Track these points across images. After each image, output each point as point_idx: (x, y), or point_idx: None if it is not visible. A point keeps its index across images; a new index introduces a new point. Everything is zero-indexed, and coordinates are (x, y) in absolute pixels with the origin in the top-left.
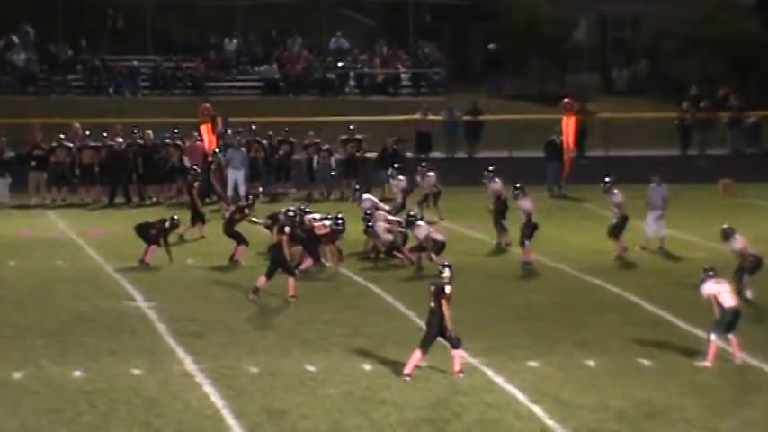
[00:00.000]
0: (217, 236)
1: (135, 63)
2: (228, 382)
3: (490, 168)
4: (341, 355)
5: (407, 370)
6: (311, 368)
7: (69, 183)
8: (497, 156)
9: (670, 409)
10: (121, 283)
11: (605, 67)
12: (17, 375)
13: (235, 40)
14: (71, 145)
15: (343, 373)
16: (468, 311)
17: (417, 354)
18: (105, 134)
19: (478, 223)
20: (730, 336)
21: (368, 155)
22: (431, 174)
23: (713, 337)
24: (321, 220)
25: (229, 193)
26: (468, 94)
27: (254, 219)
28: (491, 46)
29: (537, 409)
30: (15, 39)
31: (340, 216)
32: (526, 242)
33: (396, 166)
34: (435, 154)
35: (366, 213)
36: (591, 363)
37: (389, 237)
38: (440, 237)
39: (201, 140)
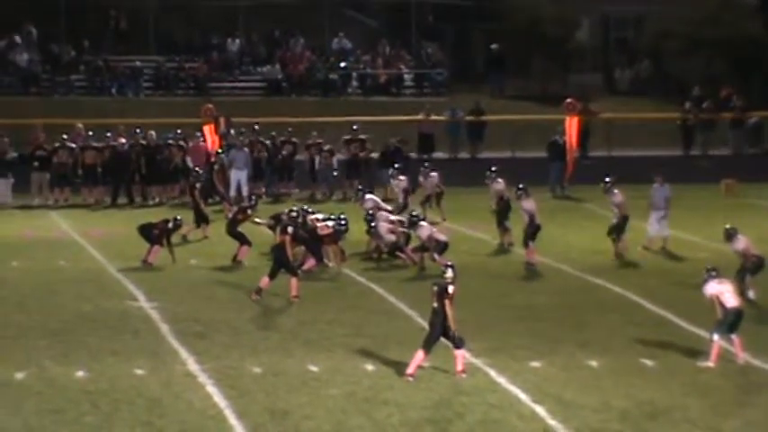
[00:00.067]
0: (220, 236)
1: (138, 63)
2: (231, 382)
3: (493, 169)
4: (344, 355)
5: (410, 370)
6: (314, 368)
7: (72, 183)
8: (500, 156)
9: (673, 409)
10: (124, 284)
11: (608, 68)
12: (20, 376)
13: (237, 41)
14: (74, 145)
15: (345, 374)
16: (471, 312)
17: (420, 354)
18: (109, 134)
19: (481, 223)
20: (733, 336)
21: (373, 155)
22: (433, 174)
23: (716, 337)
24: (324, 220)
25: (232, 193)
26: (470, 95)
27: (256, 219)
28: (494, 46)
29: (539, 410)
30: (18, 39)
31: (343, 216)
32: (530, 243)
33: (396, 166)
34: (438, 154)
35: (368, 214)
36: (593, 363)
37: (392, 237)
38: (442, 237)
39: (204, 141)
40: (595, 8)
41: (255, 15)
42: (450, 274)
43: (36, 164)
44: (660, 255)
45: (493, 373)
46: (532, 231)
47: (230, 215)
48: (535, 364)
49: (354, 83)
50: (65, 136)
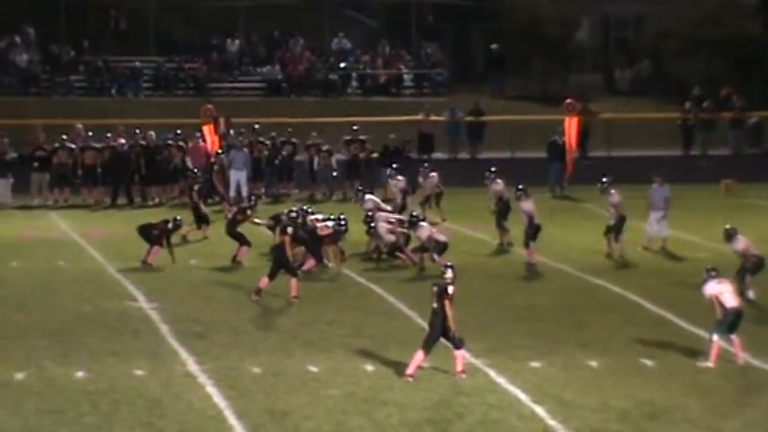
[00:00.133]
0: (219, 237)
1: (137, 64)
2: (231, 382)
3: (492, 169)
4: (343, 355)
5: (410, 371)
6: (314, 369)
7: (72, 183)
8: (500, 156)
9: (672, 409)
10: (124, 284)
11: (608, 68)
12: (19, 376)
13: (237, 41)
14: (73, 146)
15: (345, 374)
16: (471, 312)
17: (420, 354)
18: (108, 135)
19: (481, 224)
20: (733, 336)
21: (374, 155)
22: (433, 174)
23: (715, 337)
24: (324, 220)
25: (232, 193)
26: (470, 95)
27: (256, 220)
28: (493, 46)
29: (539, 410)
30: (18, 39)
31: (342, 217)
32: (531, 243)
33: (394, 166)
34: (438, 154)
35: (367, 215)
36: (593, 363)
37: (392, 237)
38: (442, 237)
39: (204, 141)
40: (595, 8)
41: (255, 16)
42: (449, 274)
43: (36, 164)
44: (660, 255)
45: (493, 374)
46: (533, 232)
47: (230, 216)
48: (535, 364)
49: (354, 83)
50: (64, 136)
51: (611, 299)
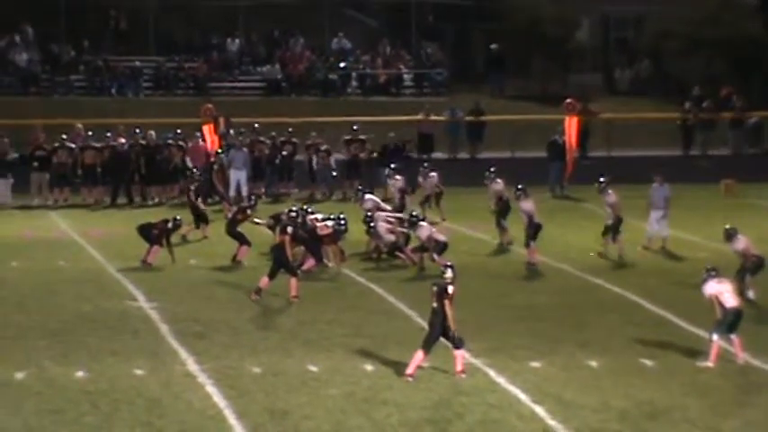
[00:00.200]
0: (219, 236)
1: (137, 63)
2: (231, 382)
3: (491, 169)
4: (343, 355)
5: (410, 370)
6: (313, 368)
7: (71, 183)
8: (500, 156)
9: (672, 409)
10: (123, 284)
11: (608, 68)
12: (19, 376)
13: (237, 41)
14: (73, 145)
15: (345, 374)
16: (470, 312)
17: (419, 354)
18: (108, 134)
19: (480, 223)
20: (733, 336)
21: (374, 155)
22: (433, 174)
23: (715, 337)
24: (323, 220)
25: (232, 193)
26: (470, 95)
27: (256, 219)
28: (493, 46)
29: (539, 410)
30: (17, 39)
31: (342, 216)
32: (531, 243)
33: (392, 166)
34: (437, 154)
35: (367, 214)
36: (593, 363)
37: (391, 237)
38: (442, 237)
39: (204, 141)
40: (595, 8)
41: (255, 15)
42: (449, 274)
43: (35, 164)
44: (660, 254)
45: (492, 374)
46: (534, 231)
47: (230, 215)
48: (535, 364)
49: (354, 83)
50: (64, 136)
51: (611, 299)
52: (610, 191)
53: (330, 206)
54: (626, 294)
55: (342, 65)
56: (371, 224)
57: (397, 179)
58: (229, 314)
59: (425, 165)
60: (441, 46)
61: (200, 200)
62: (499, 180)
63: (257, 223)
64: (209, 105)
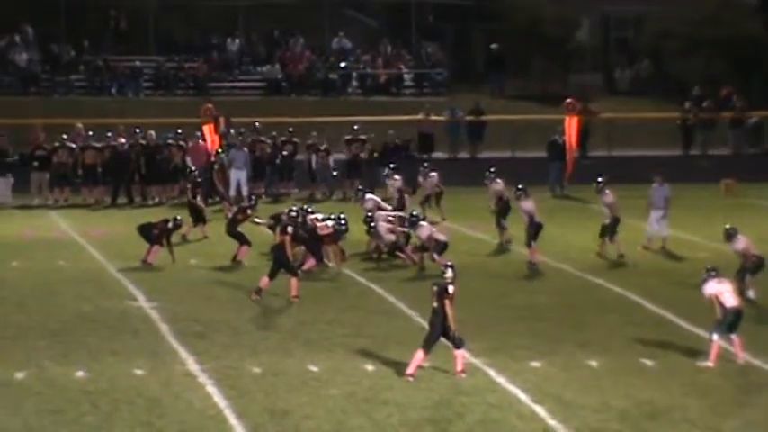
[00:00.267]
0: (219, 236)
1: (137, 63)
2: (231, 382)
3: (491, 169)
4: (343, 355)
5: (410, 370)
6: (314, 368)
7: (72, 183)
8: (500, 156)
9: (672, 409)
10: (124, 284)
11: (608, 68)
12: (19, 376)
13: (237, 41)
14: (74, 145)
15: (345, 374)
16: (470, 312)
17: (420, 354)
18: (109, 134)
19: (481, 223)
20: (733, 336)
21: (374, 154)
22: (433, 174)
23: (715, 337)
24: (324, 220)
25: (232, 193)
26: (470, 95)
27: (256, 219)
28: (493, 46)
29: (539, 410)
30: (17, 39)
31: (342, 216)
32: (532, 243)
33: (391, 165)
34: (438, 154)
35: (367, 214)
36: (593, 363)
37: (392, 237)
38: (442, 237)
39: (204, 141)
40: (595, 8)
41: (255, 15)
42: (449, 273)
43: (36, 164)
44: (660, 254)
45: (493, 373)
46: (534, 231)
47: (230, 215)
48: (535, 363)
49: (354, 83)
50: (65, 136)
51: (612, 298)
52: (607, 191)
53: (330, 206)
54: (626, 294)
55: (342, 65)
56: (372, 224)
57: (395, 179)
58: (230, 314)
59: (425, 165)
60: (441, 46)
61: (199, 199)
62: (499, 180)
63: (257, 223)
64: (210, 105)
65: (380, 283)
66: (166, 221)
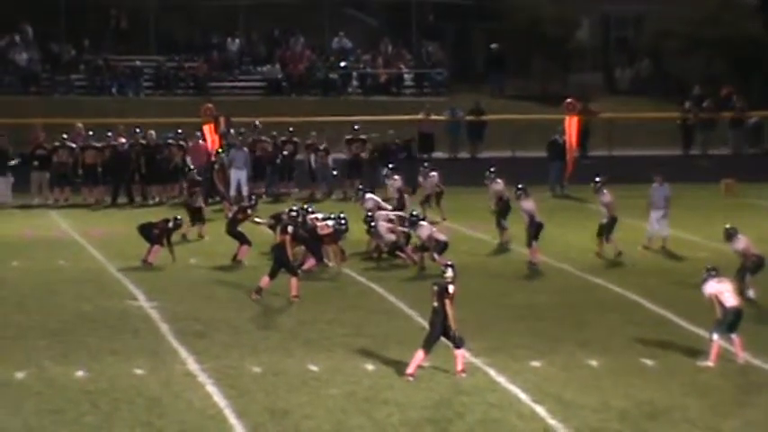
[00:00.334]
0: (219, 236)
1: (138, 63)
2: (231, 381)
3: (492, 169)
4: (344, 355)
5: (410, 370)
6: (314, 368)
7: (72, 183)
8: (500, 156)
9: (672, 409)
10: (124, 283)
11: (608, 67)
12: (19, 376)
13: (237, 40)
14: (74, 145)
15: (345, 373)
16: (471, 311)
17: (420, 354)
18: (109, 134)
19: (481, 223)
20: (733, 336)
21: (375, 154)
22: (433, 174)
23: (715, 336)
24: (324, 219)
25: (232, 192)
26: (470, 94)
27: (257, 219)
28: (494, 46)
29: (539, 409)
30: (17, 38)
31: (342, 216)
32: (533, 243)
33: (390, 165)
34: (438, 154)
35: (368, 214)
36: (593, 363)
37: (392, 237)
38: (442, 237)
39: (204, 140)
40: (595, 8)
41: (255, 15)
42: (450, 273)
43: (36, 163)
44: (660, 254)
45: (493, 373)
46: (535, 230)
47: (230, 215)
48: (535, 363)
49: (354, 82)
50: (65, 135)
51: (612, 298)
52: (605, 190)
53: (330, 206)
54: (626, 294)
55: (342, 64)
56: (372, 224)
57: (395, 179)
58: (230, 313)
59: (426, 164)
60: (441, 45)
61: (198, 199)
62: (499, 180)
63: (258, 223)
64: (210, 105)
65: (380, 282)
66: (167, 221)
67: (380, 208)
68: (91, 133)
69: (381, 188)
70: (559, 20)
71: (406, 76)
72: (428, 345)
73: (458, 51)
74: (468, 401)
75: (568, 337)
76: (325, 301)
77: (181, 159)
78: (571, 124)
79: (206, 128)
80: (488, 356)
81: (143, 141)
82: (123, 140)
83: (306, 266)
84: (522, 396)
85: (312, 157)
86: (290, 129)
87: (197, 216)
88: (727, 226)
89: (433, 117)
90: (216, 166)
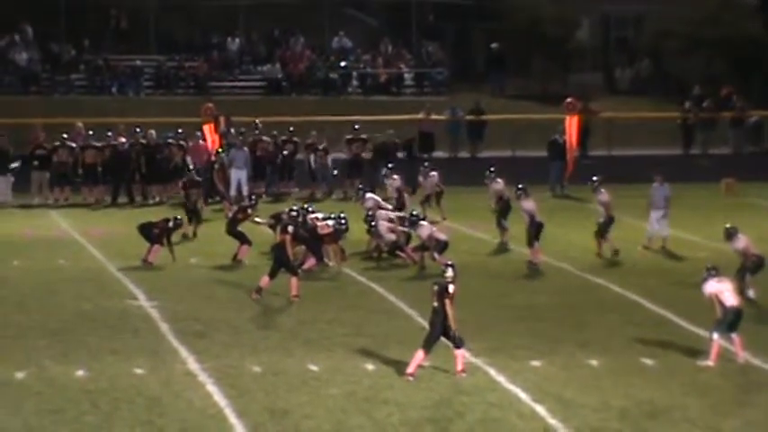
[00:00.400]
0: (220, 236)
1: (138, 63)
2: (231, 381)
3: (492, 169)
4: (344, 354)
5: (410, 370)
6: (314, 368)
7: (72, 182)
8: (500, 155)
9: (672, 408)
10: (124, 283)
11: (608, 67)
12: (19, 375)
13: (237, 40)
14: (74, 144)
15: (345, 373)
16: (471, 311)
17: (420, 353)
18: (109, 134)
19: (481, 223)
20: (733, 335)
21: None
22: (433, 173)
23: (715, 336)
24: (324, 219)
25: (232, 192)
26: (470, 94)
27: (257, 218)
28: (494, 45)
29: (539, 409)
30: (17, 38)
31: (343, 216)
32: (535, 243)
33: (389, 165)
34: (438, 153)
35: (368, 213)
36: (593, 362)
37: (392, 236)
38: (442, 236)
39: (204, 140)
40: (595, 8)
41: (255, 14)
42: (450, 273)
43: (36, 163)
44: (660, 254)
45: (493, 373)
46: (536, 230)
47: (230, 214)
48: (535, 363)
49: (355, 82)
50: (65, 135)
51: (612, 298)
52: (602, 190)
53: (330, 205)
54: (626, 294)
55: (342, 64)
56: (372, 223)
57: (394, 178)
58: (230, 313)
59: (426, 164)
60: (441, 45)
61: (197, 199)
62: (499, 179)
63: (258, 222)
64: (210, 105)
65: (381, 282)
66: (167, 221)
67: (381, 207)
68: (91, 133)
69: (381, 188)
70: (559, 20)
71: (406, 75)
72: (428, 344)
73: (458, 51)
74: (468, 401)
75: (568, 337)
76: (326, 301)
77: (181, 159)
78: (571, 124)
79: (206, 127)
80: (488, 356)
81: (143, 141)
82: (123, 140)
83: (306, 266)
84: (523, 396)
85: (312, 156)
86: (291, 128)
87: (194, 215)
88: (728, 225)
89: (434, 117)
90: (216, 166)
